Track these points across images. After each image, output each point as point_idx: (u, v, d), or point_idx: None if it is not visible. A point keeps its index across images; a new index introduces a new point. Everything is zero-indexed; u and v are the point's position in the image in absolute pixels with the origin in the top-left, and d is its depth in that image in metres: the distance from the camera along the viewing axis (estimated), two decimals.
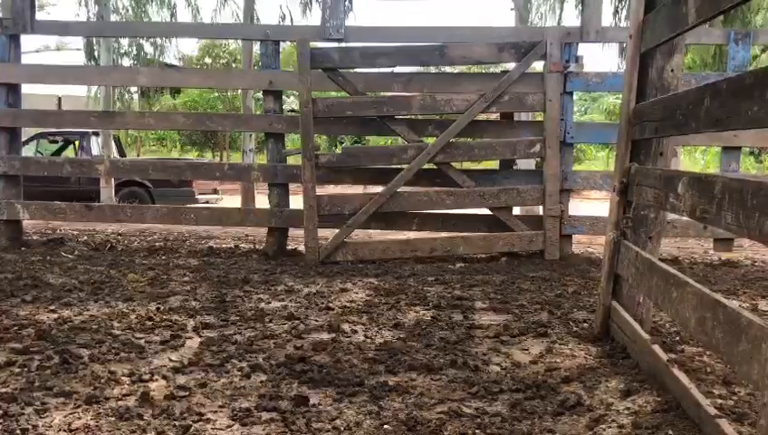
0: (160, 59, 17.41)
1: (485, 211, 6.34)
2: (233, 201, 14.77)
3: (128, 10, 16.62)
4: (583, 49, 6.29)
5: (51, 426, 2.36)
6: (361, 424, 2.42)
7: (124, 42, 17.09)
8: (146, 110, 20.47)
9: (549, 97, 6.00)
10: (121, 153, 14.60)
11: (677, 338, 3.59)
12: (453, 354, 3.27)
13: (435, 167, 6.24)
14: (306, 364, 3.07)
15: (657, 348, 2.87)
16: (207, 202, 12.89)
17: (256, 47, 9.95)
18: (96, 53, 16.48)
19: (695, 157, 24.39)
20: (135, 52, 17.42)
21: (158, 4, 16.53)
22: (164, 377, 2.88)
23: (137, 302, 4.25)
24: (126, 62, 17.25)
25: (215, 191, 14.44)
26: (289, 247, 6.57)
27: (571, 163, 6.31)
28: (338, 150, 7.85)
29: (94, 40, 16.21)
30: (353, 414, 2.51)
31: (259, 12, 14.87)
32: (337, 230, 6.05)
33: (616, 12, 14.45)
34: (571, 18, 32.40)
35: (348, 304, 4.32)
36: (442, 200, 6.05)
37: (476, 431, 2.38)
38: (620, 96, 3.64)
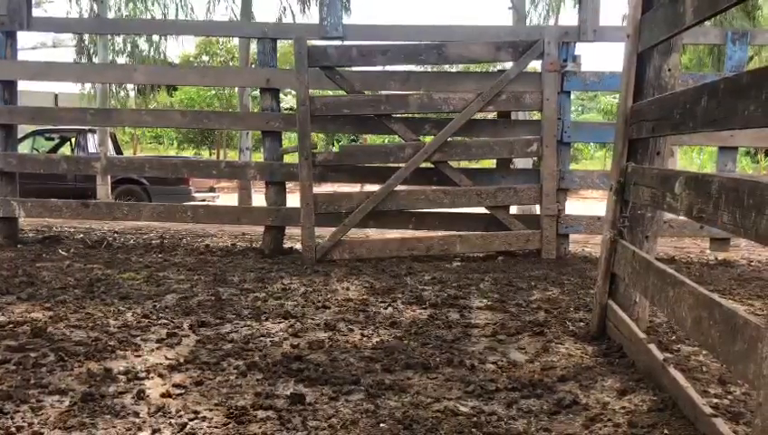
0: (156, 56, 17.39)
1: (482, 210, 6.34)
2: (230, 200, 14.77)
3: (119, 9, 16.59)
4: (581, 48, 6.29)
5: (46, 423, 2.35)
6: (357, 422, 2.42)
7: (118, 39, 17.05)
8: (142, 107, 20.43)
9: (546, 96, 6.01)
10: (118, 151, 14.56)
11: (673, 337, 3.60)
12: (449, 353, 3.27)
13: (432, 166, 6.24)
14: (302, 363, 3.07)
15: (653, 347, 2.87)
16: (204, 200, 12.86)
17: (253, 45, 9.93)
18: (91, 51, 16.46)
19: (691, 157, 24.43)
20: (129, 49, 17.39)
21: (153, 1, 16.52)
22: (160, 375, 2.88)
23: (133, 300, 4.25)
24: (121, 59, 17.23)
25: (211, 189, 14.42)
26: (286, 246, 6.56)
27: (568, 162, 6.31)
28: (335, 149, 7.83)
29: (89, 38, 16.19)
30: (349, 412, 2.51)
31: (254, 7, 14.79)
32: (334, 229, 6.05)
33: None
34: (569, 17, 32.48)
35: (344, 303, 4.32)
36: (439, 199, 6.05)
37: (473, 430, 2.38)
38: (618, 95, 3.65)
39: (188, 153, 27.82)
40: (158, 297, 4.34)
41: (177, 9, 16.50)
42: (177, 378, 2.85)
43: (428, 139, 6.12)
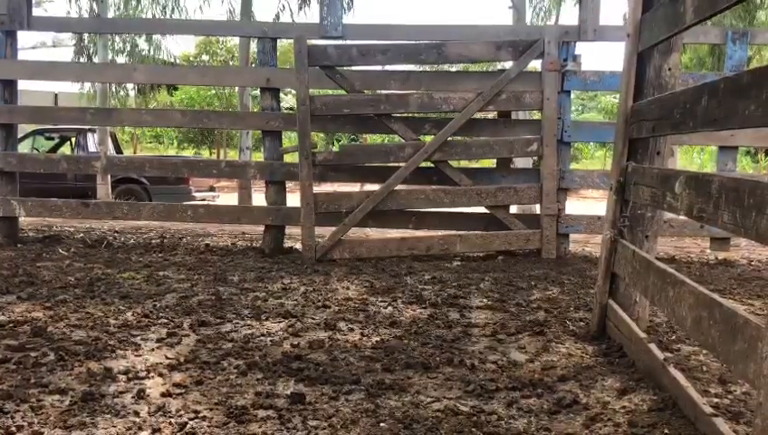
0: (155, 55, 17.39)
1: (483, 210, 6.34)
2: (230, 199, 14.77)
3: (119, 8, 16.58)
4: (581, 48, 6.29)
5: (46, 423, 2.35)
6: (357, 422, 2.42)
7: (118, 38, 17.04)
8: (142, 107, 20.43)
9: (546, 96, 6.01)
10: (118, 150, 14.57)
11: (674, 337, 3.60)
12: (449, 353, 3.27)
13: (432, 165, 6.24)
14: (302, 362, 3.07)
15: (653, 347, 2.87)
16: (204, 200, 12.86)
17: (253, 44, 9.93)
18: (91, 50, 16.47)
19: (692, 156, 24.44)
20: (129, 48, 17.39)
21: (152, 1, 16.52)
22: (160, 374, 2.88)
23: (133, 299, 4.25)
24: (121, 59, 17.23)
25: (211, 189, 14.42)
26: (286, 245, 6.56)
27: (568, 162, 6.31)
28: (335, 148, 7.80)
29: (88, 37, 16.19)
30: (349, 412, 2.51)
31: (254, 6, 14.74)
32: (334, 228, 6.05)
33: None
34: (569, 17, 32.48)
35: (344, 302, 4.32)
36: (439, 199, 6.05)
37: (473, 430, 2.38)
38: (618, 95, 3.64)
39: (188, 153, 27.82)
40: (159, 297, 4.34)
41: (173, 8, 16.50)
42: (178, 377, 2.85)
43: (428, 138, 6.12)
